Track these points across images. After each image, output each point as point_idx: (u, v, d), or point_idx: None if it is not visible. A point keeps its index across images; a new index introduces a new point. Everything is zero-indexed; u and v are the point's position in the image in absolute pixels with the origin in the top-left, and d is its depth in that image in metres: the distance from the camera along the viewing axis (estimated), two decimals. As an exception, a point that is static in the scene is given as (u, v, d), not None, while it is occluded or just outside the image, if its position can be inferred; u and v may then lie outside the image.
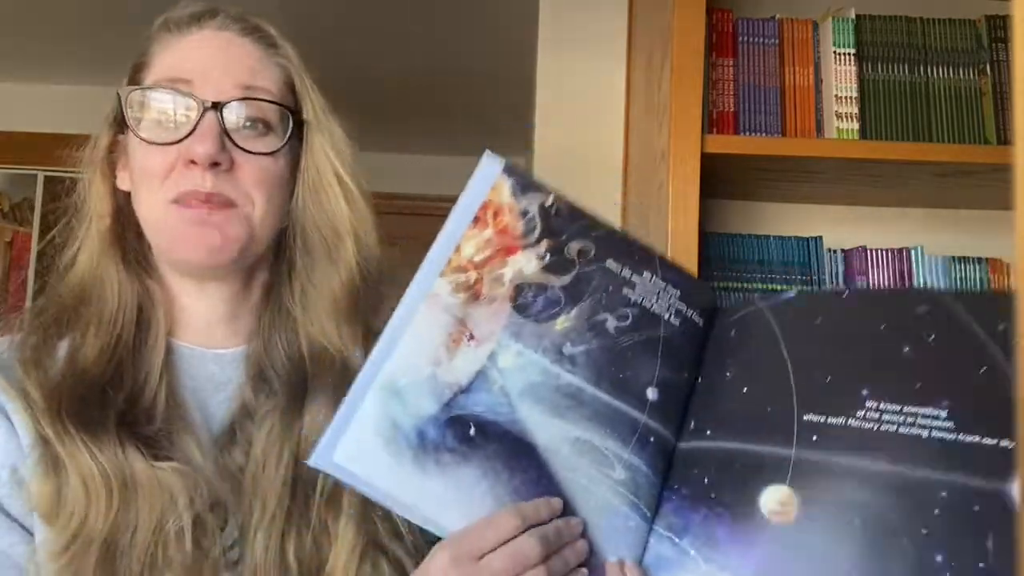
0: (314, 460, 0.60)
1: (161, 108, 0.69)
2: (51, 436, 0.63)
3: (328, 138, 0.74)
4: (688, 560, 0.61)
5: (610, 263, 0.68)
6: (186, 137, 0.67)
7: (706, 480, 0.63)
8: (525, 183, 0.68)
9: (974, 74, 1.31)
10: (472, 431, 0.62)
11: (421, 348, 0.63)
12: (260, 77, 0.71)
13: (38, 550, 0.63)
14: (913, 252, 1.35)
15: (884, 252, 1.34)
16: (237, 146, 0.68)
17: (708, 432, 0.66)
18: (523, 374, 0.64)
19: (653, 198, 1.28)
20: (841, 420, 0.60)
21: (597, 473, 0.63)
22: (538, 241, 0.67)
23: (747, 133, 1.28)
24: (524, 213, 0.68)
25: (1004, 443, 0.53)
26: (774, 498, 0.59)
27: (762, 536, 0.59)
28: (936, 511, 0.54)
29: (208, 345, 0.73)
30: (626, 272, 0.68)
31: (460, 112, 3.19)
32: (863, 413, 0.59)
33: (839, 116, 1.27)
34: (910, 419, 0.57)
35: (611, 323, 0.66)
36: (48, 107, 2.82)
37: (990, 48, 1.31)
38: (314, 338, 0.72)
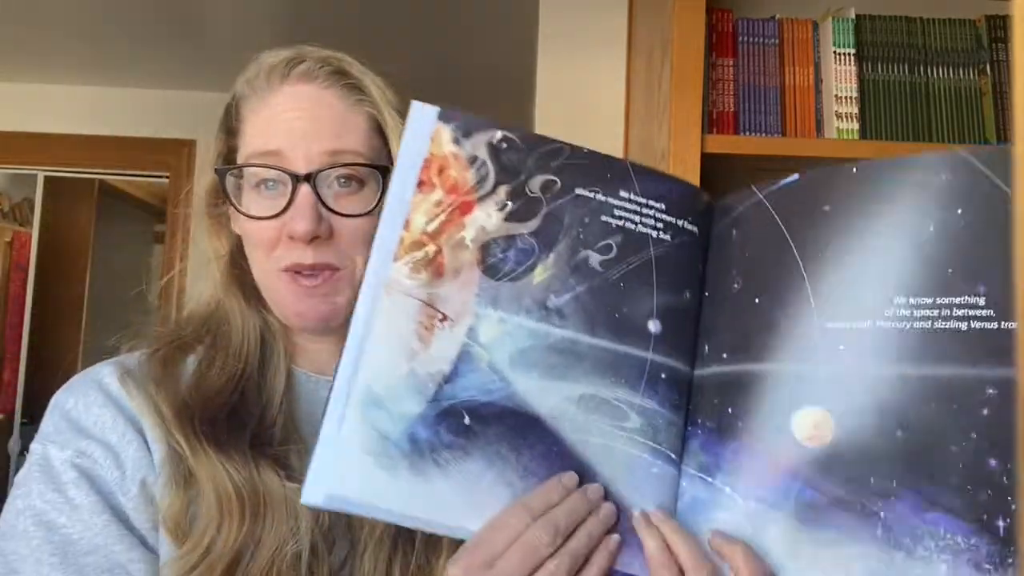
0: (305, 498, 0.54)
1: (256, 182, 0.70)
2: (185, 450, 0.65)
3: None
4: (725, 498, 0.56)
5: (580, 191, 0.60)
6: (283, 211, 0.68)
7: (730, 410, 0.58)
8: (467, 125, 0.60)
9: (974, 74, 1.31)
10: (467, 420, 0.56)
11: (392, 346, 0.57)
12: (348, 137, 0.70)
13: (162, 570, 0.64)
14: (913, 252, 1.35)
15: (884, 252, 1.34)
16: (334, 212, 0.68)
17: (724, 355, 0.59)
18: (510, 342, 0.57)
19: (653, 198, 1.27)
20: (868, 323, 0.53)
21: (610, 428, 0.58)
22: (495, 188, 0.59)
23: (747, 133, 1.28)
24: (472, 160, 0.60)
25: None
26: (807, 422, 0.54)
27: (800, 464, 0.54)
28: (984, 411, 0.48)
29: (321, 372, 0.75)
30: (600, 196, 0.60)
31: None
32: (891, 312, 0.52)
33: (839, 116, 1.27)
34: (945, 311, 0.51)
35: (594, 259, 0.59)
36: (48, 107, 2.82)
37: (990, 48, 1.31)
38: None
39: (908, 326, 0.52)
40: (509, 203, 0.59)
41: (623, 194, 0.61)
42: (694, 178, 1.17)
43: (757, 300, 0.59)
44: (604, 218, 0.60)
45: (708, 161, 1.18)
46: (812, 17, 1.32)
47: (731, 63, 1.30)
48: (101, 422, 0.67)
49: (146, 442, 0.67)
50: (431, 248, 0.58)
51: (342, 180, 0.69)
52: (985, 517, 0.47)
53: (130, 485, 0.65)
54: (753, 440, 0.56)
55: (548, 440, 0.57)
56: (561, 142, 0.61)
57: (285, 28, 2.40)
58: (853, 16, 1.29)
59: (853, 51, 1.29)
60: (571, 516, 0.56)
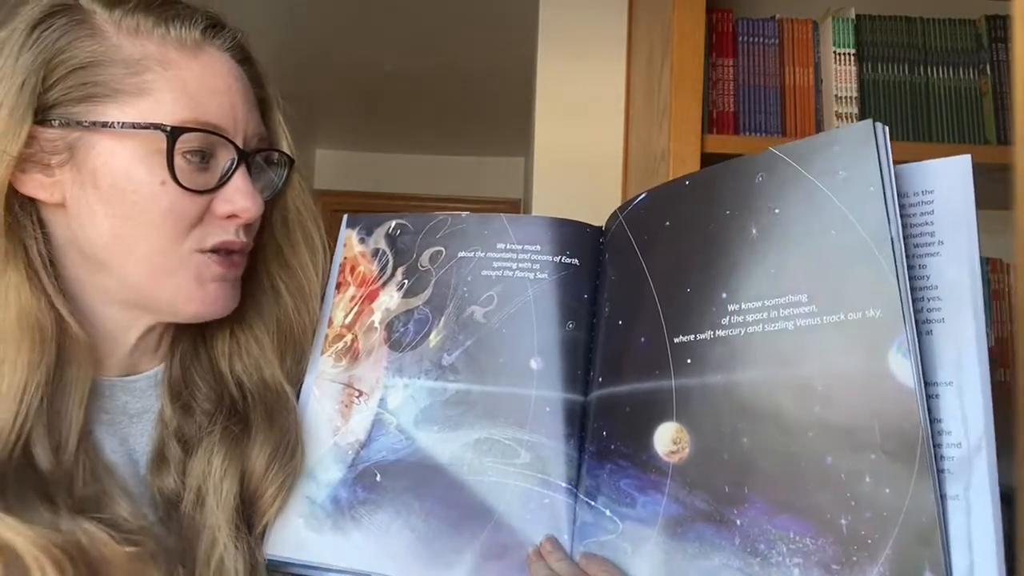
0: (265, 556, 0.63)
1: (186, 150, 0.63)
2: None
3: None
4: (606, 521, 0.58)
5: (462, 253, 0.68)
6: (219, 187, 0.63)
7: (605, 432, 0.60)
8: (368, 224, 0.71)
9: (974, 74, 1.31)
10: (378, 477, 0.63)
11: (321, 425, 0.66)
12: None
13: None
14: (913, 252, 1.34)
15: (884, 252, 1.34)
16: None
17: (601, 380, 0.62)
18: (413, 404, 0.65)
19: (653, 198, 1.28)
20: (709, 334, 0.55)
21: (503, 466, 0.62)
22: (394, 271, 0.69)
23: (747, 133, 1.28)
24: (375, 252, 0.70)
25: (870, 312, 0.48)
26: (666, 437, 0.56)
27: (665, 479, 0.56)
28: (817, 408, 0.49)
29: (120, 373, 0.65)
30: (480, 253, 0.67)
31: (460, 112, 3.19)
32: (727, 320, 0.54)
33: (839, 116, 1.27)
34: (773, 313, 0.52)
35: (479, 313, 0.66)
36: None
37: (990, 48, 1.31)
38: (249, 369, 0.67)
39: (742, 332, 0.53)
40: (406, 281, 0.68)
41: (500, 246, 0.67)
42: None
43: (620, 322, 0.62)
44: (484, 272, 0.67)
45: (708, 161, 1.18)
46: (812, 17, 1.32)
47: (731, 63, 1.30)
48: None
49: None
50: (349, 337, 0.68)
51: (259, 166, 0.66)
52: (828, 516, 0.48)
53: None
54: (623, 460, 0.58)
55: (448, 485, 0.62)
56: (445, 214, 0.70)
57: (283, 28, 2.40)
58: (853, 16, 1.30)
59: (853, 51, 1.29)
60: None
